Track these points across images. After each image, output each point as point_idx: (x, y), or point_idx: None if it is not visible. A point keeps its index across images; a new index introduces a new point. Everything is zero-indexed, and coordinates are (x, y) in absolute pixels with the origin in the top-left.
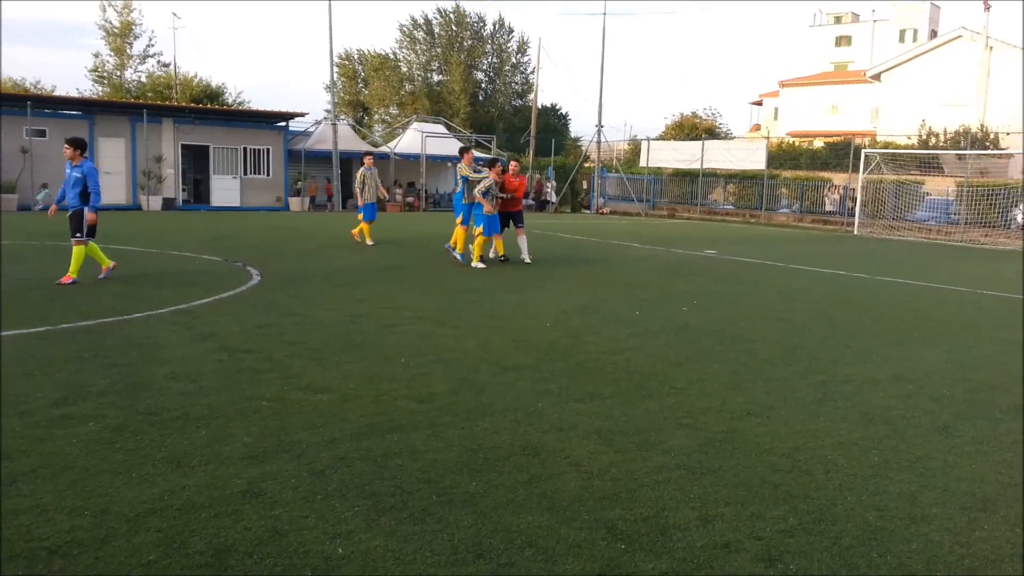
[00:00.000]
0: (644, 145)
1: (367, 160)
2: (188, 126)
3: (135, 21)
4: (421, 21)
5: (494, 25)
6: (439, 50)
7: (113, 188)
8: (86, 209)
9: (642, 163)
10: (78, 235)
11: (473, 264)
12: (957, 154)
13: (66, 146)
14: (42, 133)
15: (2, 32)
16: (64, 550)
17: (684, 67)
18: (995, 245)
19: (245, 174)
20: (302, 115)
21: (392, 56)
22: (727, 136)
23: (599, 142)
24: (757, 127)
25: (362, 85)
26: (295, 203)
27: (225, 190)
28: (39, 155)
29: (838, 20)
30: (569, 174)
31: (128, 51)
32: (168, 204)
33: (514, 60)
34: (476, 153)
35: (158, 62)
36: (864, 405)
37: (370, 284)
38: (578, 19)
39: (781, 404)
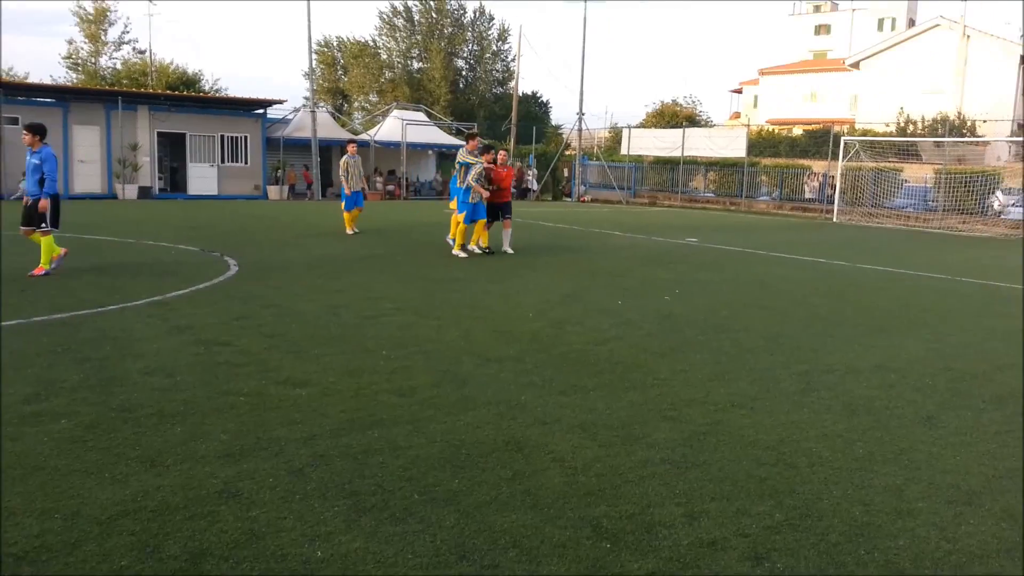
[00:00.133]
0: (625, 133)
1: (351, 148)
2: (164, 113)
3: (110, 7)
4: (401, 8)
5: (474, 12)
6: (419, 37)
7: (88, 177)
8: (42, 196)
9: (623, 151)
10: (43, 225)
11: (454, 252)
12: (935, 141)
13: (24, 132)
14: (15, 121)
15: (1, 30)
16: (32, 556)
17: (664, 55)
18: (972, 232)
19: (222, 162)
20: (280, 102)
21: (372, 43)
22: (707, 124)
23: (580, 130)
24: (737, 115)
25: (341, 72)
26: (274, 191)
27: (202, 178)
28: (11, 143)
29: (817, 9)
30: (550, 162)
31: (103, 38)
32: (144, 193)
33: (495, 48)
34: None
35: (133, 49)
36: (847, 395)
37: (350, 274)
38: (559, 6)
39: (765, 395)
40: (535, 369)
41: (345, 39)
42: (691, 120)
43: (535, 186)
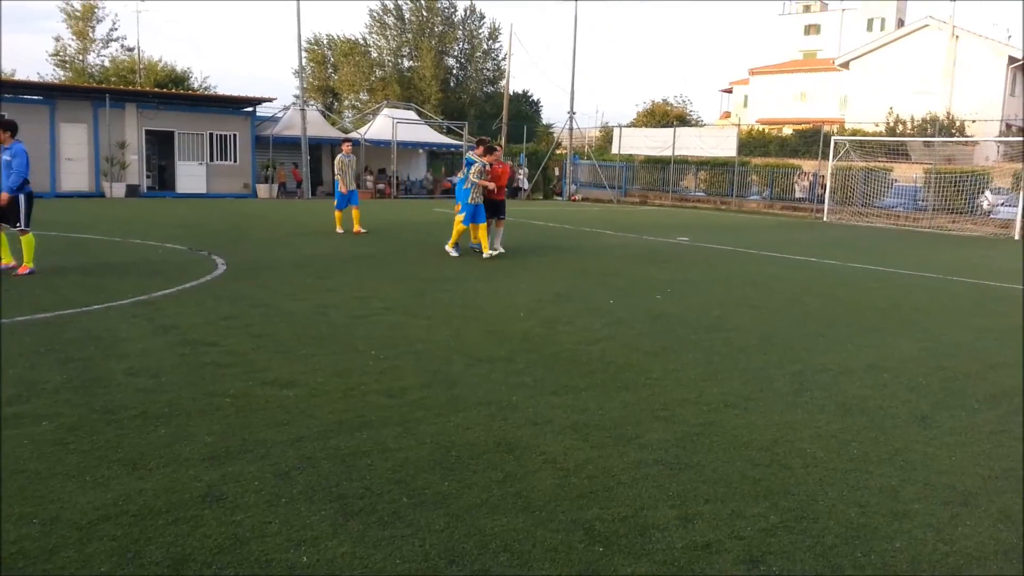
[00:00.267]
0: (616, 132)
1: (346, 147)
2: (152, 111)
3: (97, 4)
4: (391, 6)
5: (465, 11)
6: (410, 36)
7: (75, 175)
8: (3, 190)
9: (614, 150)
10: (18, 224)
11: (446, 248)
12: (924, 141)
13: None
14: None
15: (1, 29)
16: (9, 563)
17: (655, 54)
18: (962, 231)
19: (211, 160)
20: (269, 100)
21: (362, 41)
22: (698, 123)
23: (571, 129)
24: (727, 114)
25: (331, 71)
26: (263, 190)
27: (191, 176)
28: None
29: (807, 9)
30: (541, 161)
31: (91, 35)
32: (132, 191)
33: (485, 46)
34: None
35: (122, 46)
36: (841, 395)
37: (340, 273)
38: (550, 5)
39: (758, 395)
40: (526, 369)
41: (335, 37)
42: (682, 119)
43: (526, 185)
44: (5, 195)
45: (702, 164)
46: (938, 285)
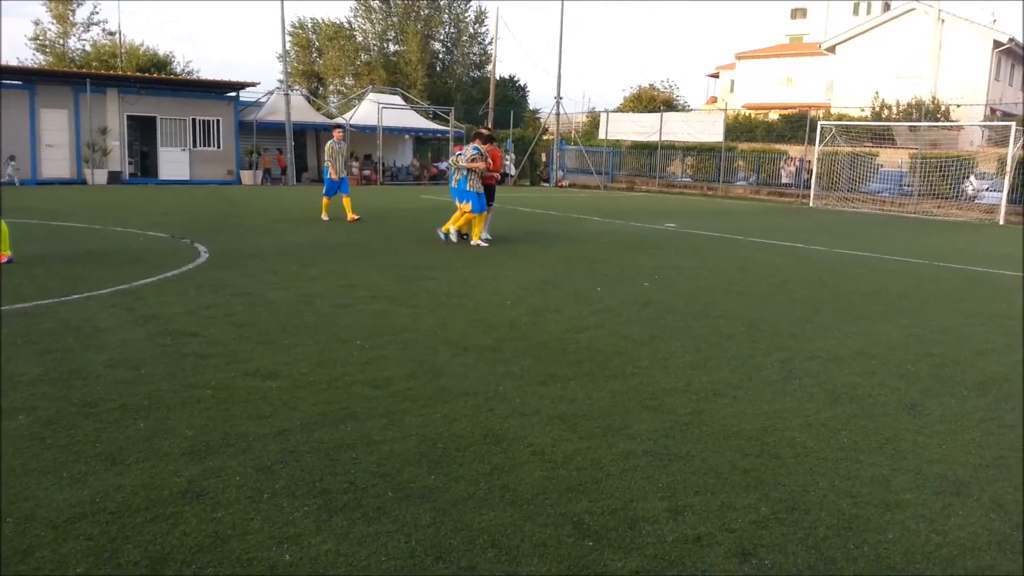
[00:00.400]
0: (603, 117)
1: (337, 133)
2: (133, 96)
3: None
4: None
5: None
6: (395, 19)
7: (56, 162)
8: None
9: (601, 135)
10: None
11: (439, 231)
12: (909, 126)
13: None
14: None
15: (1, 25)
16: None
17: (642, 39)
18: (947, 216)
19: (194, 146)
20: (253, 85)
21: (347, 25)
22: (685, 108)
23: (558, 114)
24: (714, 99)
25: (316, 55)
26: (247, 176)
27: (173, 163)
28: None
29: None
30: (528, 147)
31: (71, 18)
32: (114, 178)
33: (472, 30)
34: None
35: (103, 30)
36: (830, 383)
37: (325, 261)
38: None
39: (747, 383)
40: (513, 358)
41: (320, 21)
42: (668, 104)
43: (512, 171)
44: None
45: (689, 150)
46: (924, 271)
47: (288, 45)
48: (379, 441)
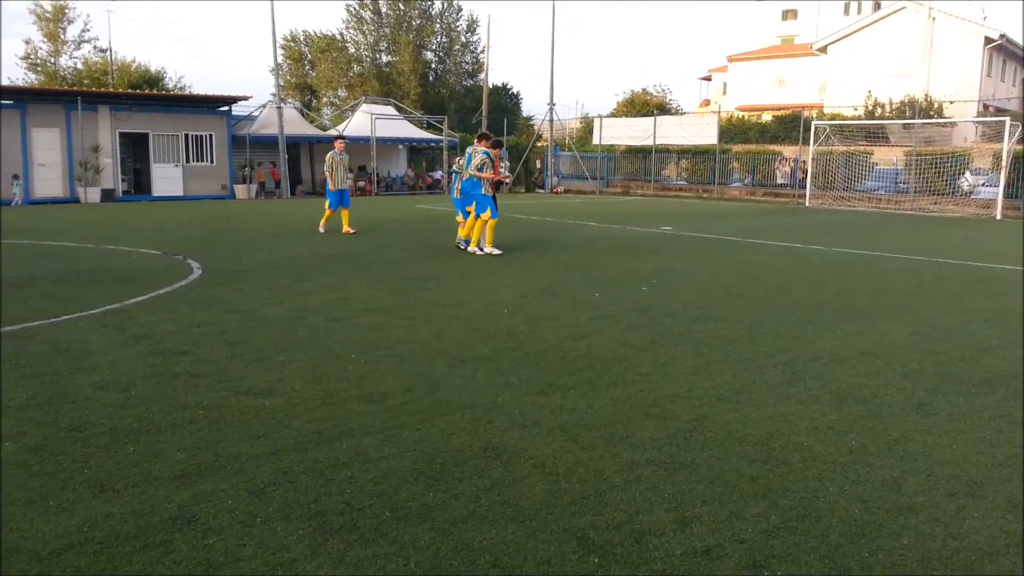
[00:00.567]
0: (596, 123)
1: (338, 145)
2: (125, 113)
3: (68, 5)
4: (368, 1)
5: (442, 3)
6: (387, 30)
7: (48, 180)
8: None
9: (595, 141)
10: None
11: (487, 251)
12: (903, 124)
13: None
14: None
15: (1, 29)
16: None
17: (633, 43)
18: (944, 212)
19: (187, 162)
20: (245, 99)
21: (339, 37)
22: (678, 112)
23: (551, 121)
24: (707, 102)
25: (309, 67)
26: (241, 190)
27: (167, 179)
28: None
29: None
30: (522, 154)
31: (62, 36)
32: (107, 195)
33: (464, 39)
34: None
35: (94, 47)
36: (835, 384)
37: (319, 274)
38: None
39: (750, 387)
40: (511, 368)
41: (312, 33)
42: (661, 108)
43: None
44: None
45: (683, 152)
46: (924, 268)
47: (280, 58)
48: (375, 458)
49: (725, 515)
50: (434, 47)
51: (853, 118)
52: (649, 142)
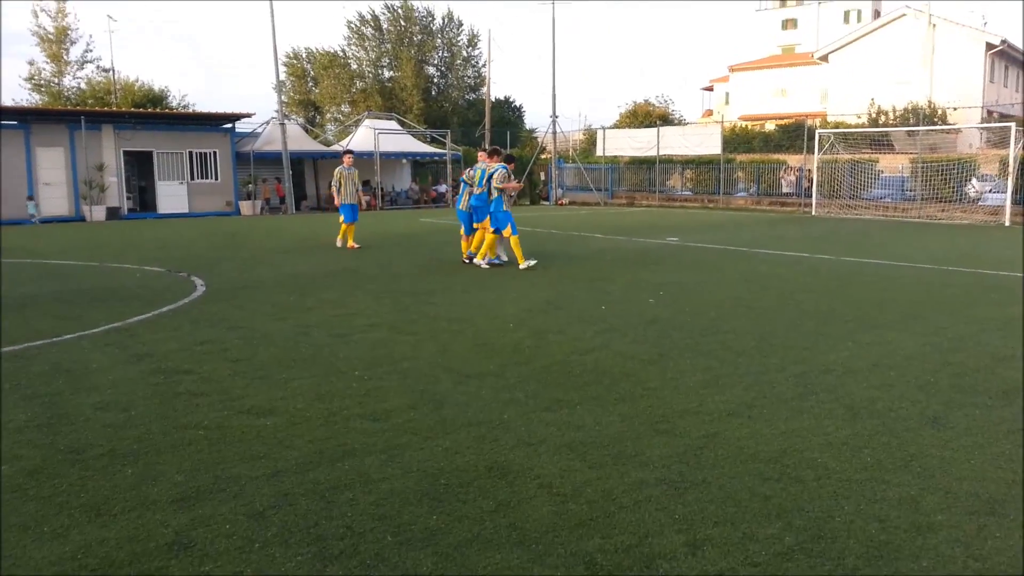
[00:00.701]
0: (600, 134)
1: (347, 159)
2: (129, 132)
3: (70, 26)
4: (369, 17)
5: (443, 19)
6: (389, 46)
7: (54, 200)
8: None
9: (598, 152)
10: None
11: (523, 265)
12: (907, 131)
13: None
14: None
15: (2, 32)
16: None
17: (634, 55)
18: (952, 220)
19: (192, 179)
20: (248, 116)
21: (341, 54)
22: (681, 122)
23: (555, 133)
24: (709, 112)
25: (312, 84)
26: (246, 207)
27: (172, 196)
28: None
29: (783, 3)
30: (526, 166)
31: (65, 57)
32: (113, 214)
33: (465, 54)
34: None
35: (97, 67)
36: (848, 398)
37: (323, 290)
38: (527, 10)
39: (761, 401)
40: (517, 384)
41: (314, 50)
42: (664, 119)
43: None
44: None
45: (687, 163)
46: (933, 276)
47: (283, 75)
48: (378, 479)
49: (738, 537)
50: (436, 62)
51: (857, 126)
52: (653, 153)
